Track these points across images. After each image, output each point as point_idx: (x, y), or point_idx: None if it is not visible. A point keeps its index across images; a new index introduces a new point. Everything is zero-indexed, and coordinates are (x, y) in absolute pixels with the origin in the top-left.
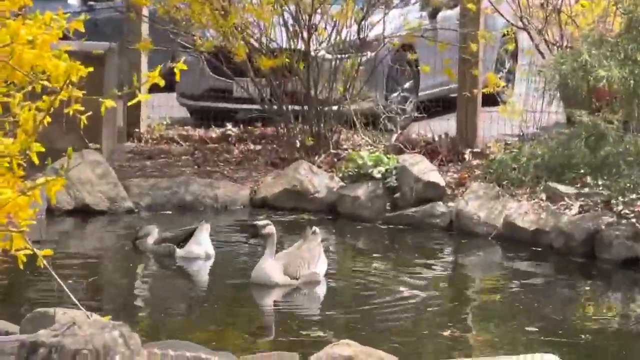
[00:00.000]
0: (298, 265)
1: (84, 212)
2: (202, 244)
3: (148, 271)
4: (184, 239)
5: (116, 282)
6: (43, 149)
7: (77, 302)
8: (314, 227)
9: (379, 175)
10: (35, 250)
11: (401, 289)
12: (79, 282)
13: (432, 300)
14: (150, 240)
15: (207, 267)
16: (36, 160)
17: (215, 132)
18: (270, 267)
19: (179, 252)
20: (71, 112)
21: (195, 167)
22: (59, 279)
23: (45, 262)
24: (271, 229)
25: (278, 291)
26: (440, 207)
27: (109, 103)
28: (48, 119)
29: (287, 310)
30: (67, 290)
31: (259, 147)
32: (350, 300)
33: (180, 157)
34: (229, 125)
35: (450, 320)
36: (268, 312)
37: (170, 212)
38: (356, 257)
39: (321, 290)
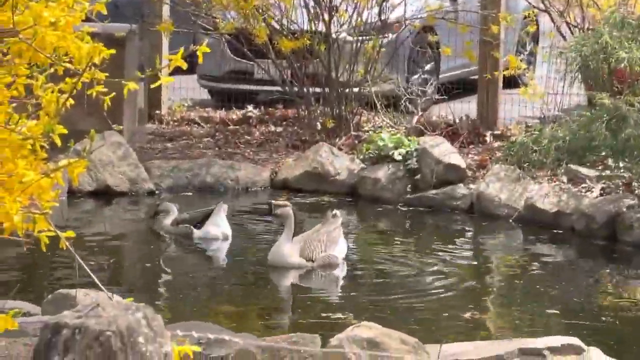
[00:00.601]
0: (314, 248)
1: (105, 194)
2: (219, 225)
3: (167, 252)
4: (201, 220)
5: (137, 263)
6: (65, 131)
7: (99, 283)
8: (335, 210)
9: (399, 157)
10: (57, 232)
11: (422, 271)
12: (100, 263)
13: (452, 282)
14: (168, 220)
15: (224, 248)
16: (59, 142)
17: (236, 113)
18: (287, 249)
19: (197, 233)
20: (93, 94)
21: (216, 148)
22: (81, 260)
23: (67, 244)
24: (286, 210)
25: (295, 273)
26: (461, 189)
27: (132, 85)
28: (71, 101)
29: (306, 292)
30: (89, 271)
31: (279, 129)
32: (370, 282)
33: (201, 139)
34: (250, 107)
35: (471, 303)
36: (286, 294)
37: (190, 194)
38: (377, 239)
39: (341, 273)
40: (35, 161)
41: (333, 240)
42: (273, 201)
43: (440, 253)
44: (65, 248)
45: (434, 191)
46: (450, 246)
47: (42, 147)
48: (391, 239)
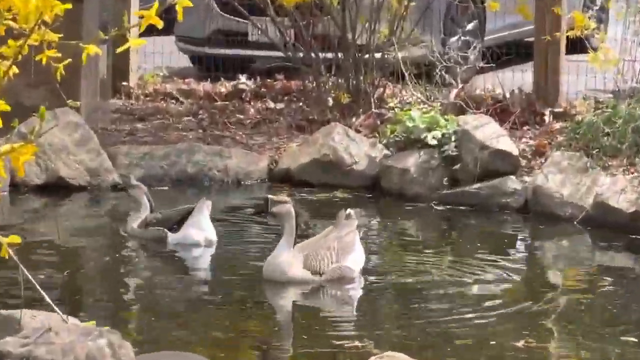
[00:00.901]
0: (322, 258)
1: (57, 188)
2: (201, 228)
3: (137, 262)
4: (178, 221)
5: (99, 277)
6: (8, 108)
7: (50, 302)
8: (349, 210)
9: (434, 142)
10: None
11: (461, 287)
12: (52, 277)
13: (501, 301)
14: (135, 221)
15: (207, 256)
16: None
17: (225, 86)
18: (287, 259)
19: (173, 237)
20: (43, 61)
21: (200, 130)
22: (27, 273)
23: (10, 251)
24: (286, 209)
25: (297, 290)
26: (512, 182)
27: (92, 49)
28: (14, 69)
29: (312, 314)
30: (38, 287)
31: (280, 106)
32: (395, 301)
33: (180, 118)
34: (243, 78)
35: (525, 328)
36: (286, 316)
37: (167, 188)
38: (404, 247)
39: (357, 290)
40: None
41: (346, 248)
42: (270, 196)
43: (485, 264)
44: (7, 257)
45: (477, 185)
46: (498, 256)
47: None
48: (422, 246)
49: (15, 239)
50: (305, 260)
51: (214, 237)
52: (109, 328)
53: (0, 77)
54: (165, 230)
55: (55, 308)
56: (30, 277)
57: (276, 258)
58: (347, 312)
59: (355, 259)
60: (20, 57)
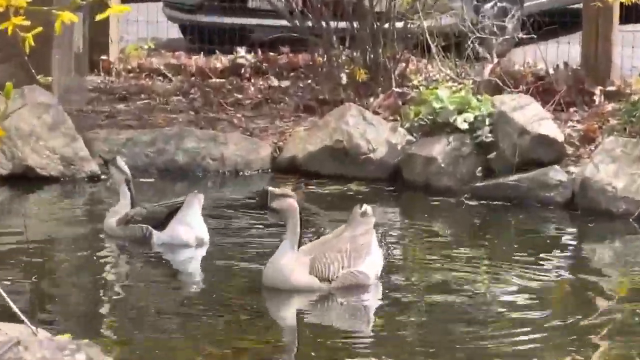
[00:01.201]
0: (331, 262)
1: (24, 180)
2: (191, 225)
3: (117, 265)
4: (165, 218)
5: (73, 282)
6: None
7: (17, 311)
8: (365, 206)
9: (465, 126)
10: None
11: (497, 297)
12: (18, 282)
13: (544, 312)
14: (112, 217)
15: (198, 259)
16: None
17: (220, 60)
18: (290, 262)
19: (158, 236)
20: (9, 30)
21: (191, 112)
22: None
23: None
24: (288, 203)
25: (302, 299)
26: (557, 173)
27: (67, 17)
28: None
29: (319, 327)
30: (2, 293)
31: (285, 84)
32: (419, 313)
33: (168, 97)
34: (241, 51)
35: (573, 342)
36: (289, 330)
37: (152, 180)
38: (430, 249)
39: (373, 300)
40: None
41: (361, 250)
42: (270, 188)
43: (525, 270)
44: None
45: (516, 176)
46: (540, 259)
47: None
48: (451, 248)
49: None
50: (312, 264)
51: (205, 236)
52: (88, 341)
53: None
54: (149, 228)
55: (23, 317)
56: None
57: (277, 262)
58: (361, 326)
59: (371, 263)
60: None
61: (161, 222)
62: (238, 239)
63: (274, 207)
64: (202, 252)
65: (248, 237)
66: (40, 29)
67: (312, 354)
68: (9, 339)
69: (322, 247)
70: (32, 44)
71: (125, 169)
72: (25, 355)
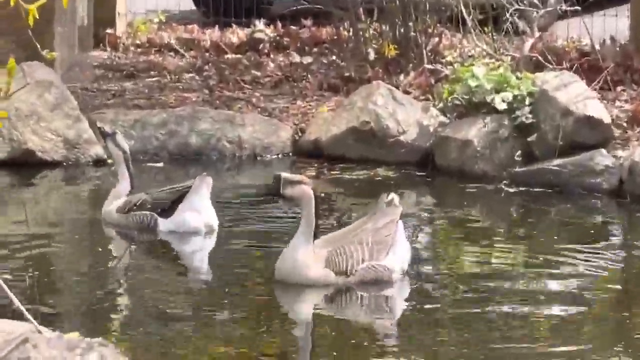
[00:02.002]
0: (350, 254)
1: (25, 164)
2: (200, 211)
3: (122, 255)
4: (172, 203)
5: (76, 274)
6: None
7: (21, 307)
8: (392, 194)
9: (503, 106)
10: None
11: (538, 291)
12: (19, 275)
13: (589, 309)
14: (112, 204)
15: (207, 247)
16: None
17: (237, 34)
18: (304, 255)
19: (165, 223)
20: (12, 1)
21: (206, 91)
22: None
23: None
24: (302, 190)
25: (318, 294)
26: (603, 157)
27: None
28: None
29: (341, 324)
30: (5, 287)
31: (308, 60)
32: (452, 310)
33: (181, 75)
34: (260, 24)
35: (618, 342)
36: (308, 328)
37: (162, 165)
38: (465, 240)
39: (397, 296)
40: None
41: (384, 243)
42: (283, 174)
43: (568, 262)
44: None
45: (559, 161)
46: (585, 251)
47: None
48: (488, 238)
49: None
50: (329, 257)
51: (214, 222)
52: (101, 339)
53: None
54: (154, 215)
55: (29, 316)
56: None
57: (290, 255)
58: (384, 325)
59: (396, 257)
60: None
61: (167, 208)
62: (250, 226)
63: (288, 194)
64: (210, 240)
65: (262, 224)
66: (44, 0)
67: (334, 353)
68: (17, 336)
69: (341, 239)
70: (37, 16)
71: (125, 145)
72: (33, 354)
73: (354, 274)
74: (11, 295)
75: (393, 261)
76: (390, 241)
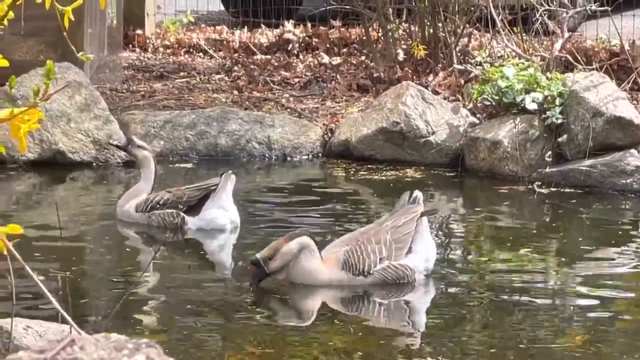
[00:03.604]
0: (367, 254)
1: (55, 165)
2: (226, 208)
3: (154, 254)
4: (197, 202)
5: (108, 274)
6: (6, 63)
7: (64, 312)
8: (416, 192)
9: (533, 107)
10: None
11: (568, 293)
12: (52, 276)
13: (619, 311)
14: (130, 203)
15: (231, 246)
16: None
17: (266, 35)
18: (313, 263)
19: (193, 222)
20: (47, 2)
21: (235, 92)
22: (33, 274)
23: (8, 245)
24: (280, 260)
25: (333, 295)
26: (634, 158)
27: None
28: (11, 14)
29: (363, 325)
30: (44, 289)
31: (337, 61)
32: (480, 314)
33: (209, 75)
34: (289, 25)
35: None
36: (332, 329)
37: (191, 166)
38: (493, 240)
39: (420, 299)
40: None
41: (403, 241)
42: (258, 256)
43: (599, 263)
44: (4, 252)
45: (589, 161)
46: (616, 253)
47: None
48: (519, 239)
49: (15, 228)
50: (345, 257)
51: (237, 219)
52: (147, 341)
53: None
54: (181, 213)
55: (69, 319)
56: (37, 279)
57: (300, 264)
58: (402, 329)
59: (419, 256)
60: None
61: (192, 207)
62: (280, 225)
63: (271, 269)
64: (234, 237)
65: (292, 223)
66: (80, 1)
67: (359, 353)
68: (63, 338)
69: (358, 239)
70: (72, 18)
71: (147, 145)
72: (80, 355)
73: (372, 274)
74: (51, 297)
75: (415, 260)
76: (409, 239)
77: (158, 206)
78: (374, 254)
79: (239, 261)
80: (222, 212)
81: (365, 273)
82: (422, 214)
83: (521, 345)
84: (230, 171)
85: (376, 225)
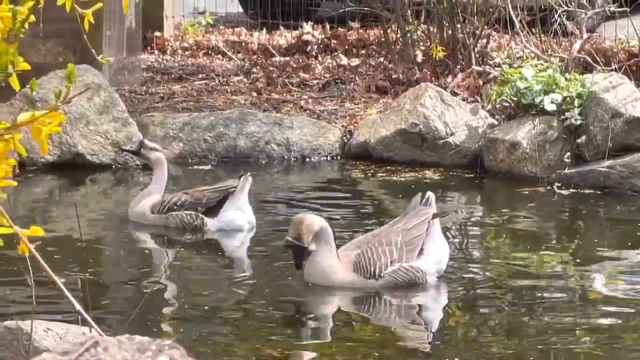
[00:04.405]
0: (378, 256)
1: (74, 167)
2: (243, 210)
3: (174, 256)
4: (217, 203)
5: (128, 276)
6: (28, 67)
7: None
8: (428, 193)
9: (552, 108)
10: (15, 228)
11: (587, 296)
12: (72, 277)
13: (636, 314)
14: (143, 204)
15: (247, 244)
16: (16, 85)
17: (284, 37)
18: (328, 260)
19: (213, 223)
20: (68, 5)
21: (254, 94)
22: (54, 276)
23: (30, 247)
24: (311, 231)
25: (345, 297)
26: None
27: None
28: (31, 17)
29: (377, 329)
30: (66, 292)
31: (355, 62)
32: (496, 318)
33: (228, 77)
34: (307, 26)
35: None
36: (349, 331)
37: (210, 168)
38: (511, 242)
39: (432, 301)
40: None
41: (414, 243)
42: (288, 238)
43: (619, 265)
44: (26, 254)
45: (608, 162)
46: (636, 253)
47: None
48: (537, 241)
49: (38, 231)
50: (357, 260)
51: (254, 219)
52: (170, 342)
53: (18, 27)
54: (200, 215)
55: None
56: (58, 281)
57: (316, 261)
58: (414, 331)
59: (430, 258)
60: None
61: (210, 208)
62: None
63: (309, 242)
64: (252, 239)
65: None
66: (100, 4)
67: (376, 354)
68: (86, 339)
69: (370, 241)
70: (92, 21)
71: (158, 146)
72: (104, 357)
73: (383, 276)
74: (72, 298)
75: (426, 262)
76: (420, 242)
77: (175, 207)
78: (385, 256)
79: (257, 262)
80: (240, 213)
81: (377, 276)
82: (434, 216)
83: (540, 347)
84: (248, 173)
85: (388, 227)
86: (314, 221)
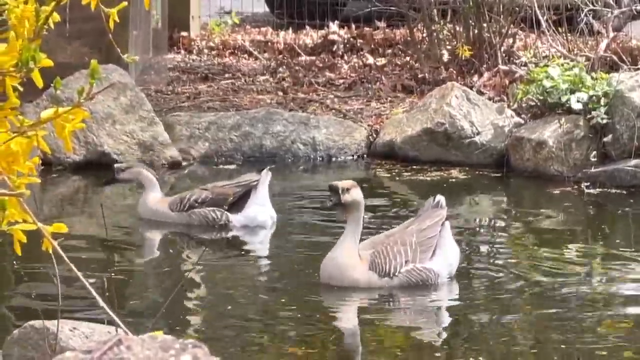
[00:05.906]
0: (393, 256)
1: (100, 166)
2: (265, 205)
3: (195, 253)
4: (238, 199)
5: (150, 274)
6: (51, 63)
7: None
8: (439, 196)
9: (578, 107)
10: (39, 225)
11: (609, 298)
12: (97, 276)
13: None
14: (155, 202)
15: (269, 241)
16: (40, 82)
17: (311, 36)
18: (348, 257)
19: (237, 219)
20: (93, 4)
21: (280, 93)
22: (80, 275)
23: (54, 243)
24: (354, 196)
25: (361, 297)
26: None
27: None
28: (56, 16)
29: (379, 330)
30: (92, 291)
31: (381, 61)
32: (513, 319)
33: (254, 77)
34: (334, 26)
35: None
36: (351, 337)
37: (236, 167)
38: (535, 242)
39: (445, 300)
40: (2, 111)
41: (427, 244)
42: (338, 184)
43: None
44: (50, 250)
45: (635, 161)
46: None
47: (14, 88)
48: (560, 241)
49: (61, 227)
50: (372, 259)
51: (275, 215)
52: (193, 341)
53: (40, 25)
54: (223, 211)
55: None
56: (84, 279)
57: (335, 257)
58: (426, 331)
59: (442, 259)
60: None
61: (232, 204)
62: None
63: (345, 200)
64: (276, 236)
65: (329, 224)
66: (125, 3)
67: (397, 353)
68: (110, 338)
69: (385, 241)
70: (117, 20)
71: (130, 163)
72: (127, 355)
73: (397, 276)
74: (98, 298)
75: (439, 264)
76: (434, 243)
77: (197, 204)
78: (400, 256)
79: (281, 261)
80: (263, 208)
81: (392, 275)
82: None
83: (563, 346)
84: (267, 167)
85: (401, 228)
86: (361, 196)
